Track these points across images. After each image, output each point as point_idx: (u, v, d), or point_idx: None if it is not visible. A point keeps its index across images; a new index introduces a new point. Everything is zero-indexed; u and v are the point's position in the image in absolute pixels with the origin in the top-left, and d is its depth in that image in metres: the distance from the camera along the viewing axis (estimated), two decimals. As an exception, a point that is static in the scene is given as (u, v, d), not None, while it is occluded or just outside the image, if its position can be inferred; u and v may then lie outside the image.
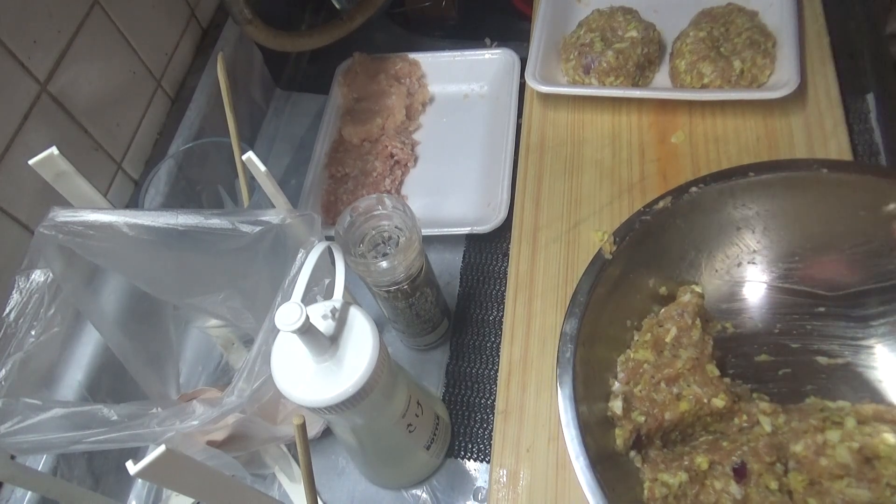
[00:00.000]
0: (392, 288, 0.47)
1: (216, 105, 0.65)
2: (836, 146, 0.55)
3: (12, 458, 0.43)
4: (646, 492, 0.39)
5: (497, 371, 0.51)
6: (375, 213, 0.45)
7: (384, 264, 0.43)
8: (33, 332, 0.39)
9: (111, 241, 0.41)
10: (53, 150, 0.41)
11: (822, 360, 0.45)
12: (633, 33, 0.62)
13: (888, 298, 0.44)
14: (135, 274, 0.47)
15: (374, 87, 0.72)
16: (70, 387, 0.50)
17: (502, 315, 0.55)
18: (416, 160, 0.69)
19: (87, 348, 0.52)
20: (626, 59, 0.60)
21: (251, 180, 0.54)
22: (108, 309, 0.50)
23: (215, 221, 0.41)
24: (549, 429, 0.47)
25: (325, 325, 0.36)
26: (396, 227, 0.46)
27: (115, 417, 0.36)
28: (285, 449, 0.53)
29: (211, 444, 0.46)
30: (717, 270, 0.47)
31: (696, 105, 0.60)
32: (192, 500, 0.51)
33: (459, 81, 0.73)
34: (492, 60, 0.71)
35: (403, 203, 0.45)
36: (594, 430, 0.39)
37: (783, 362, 0.46)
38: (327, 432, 0.53)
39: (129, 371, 0.49)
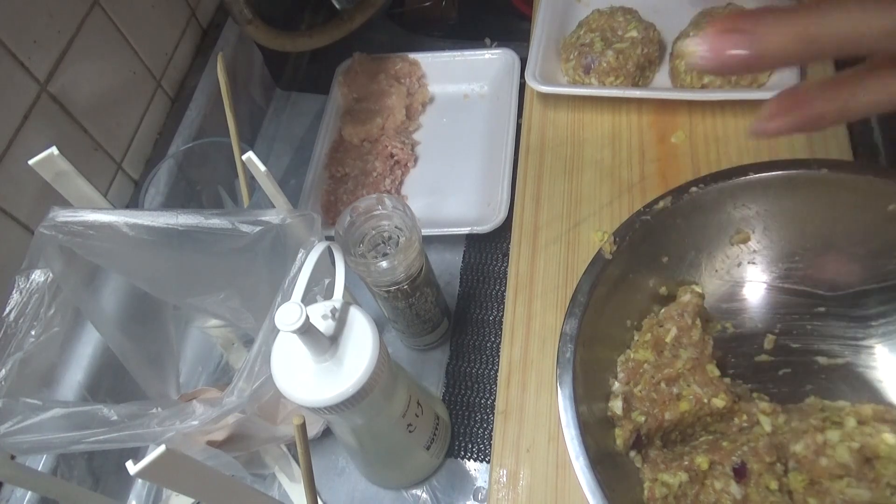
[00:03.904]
0: (392, 288, 0.47)
1: (216, 105, 0.65)
2: (837, 146, 0.55)
3: (12, 458, 0.43)
4: (646, 492, 0.39)
5: (497, 371, 0.51)
6: (375, 213, 0.45)
7: (384, 264, 0.43)
8: (33, 332, 0.39)
9: (111, 241, 0.41)
10: (53, 150, 0.41)
11: (822, 360, 0.45)
12: (633, 33, 0.62)
13: (888, 298, 0.43)
14: (135, 274, 0.47)
15: (374, 87, 0.72)
16: (70, 387, 0.50)
17: (502, 315, 0.55)
18: (416, 160, 0.69)
19: (87, 348, 0.52)
20: (626, 59, 0.60)
21: (251, 180, 0.54)
22: (108, 309, 0.51)
23: (215, 221, 0.41)
24: (549, 429, 0.47)
25: (325, 325, 0.36)
26: (396, 227, 0.46)
27: (115, 417, 0.36)
28: (285, 449, 0.53)
29: (211, 444, 0.46)
30: (717, 270, 0.47)
31: (696, 105, 0.60)
32: (192, 500, 0.51)
33: (459, 81, 0.73)
34: (492, 60, 0.71)
35: (403, 203, 0.45)
36: (594, 430, 0.39)
37: (783, 362, 0.46)
38: (327, 432, 0.53)
39: (129, 371, 0.49)
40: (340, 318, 0.36)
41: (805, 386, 0.44)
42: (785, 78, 0.56)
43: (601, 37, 0.62)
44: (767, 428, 0.41)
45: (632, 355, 0.44)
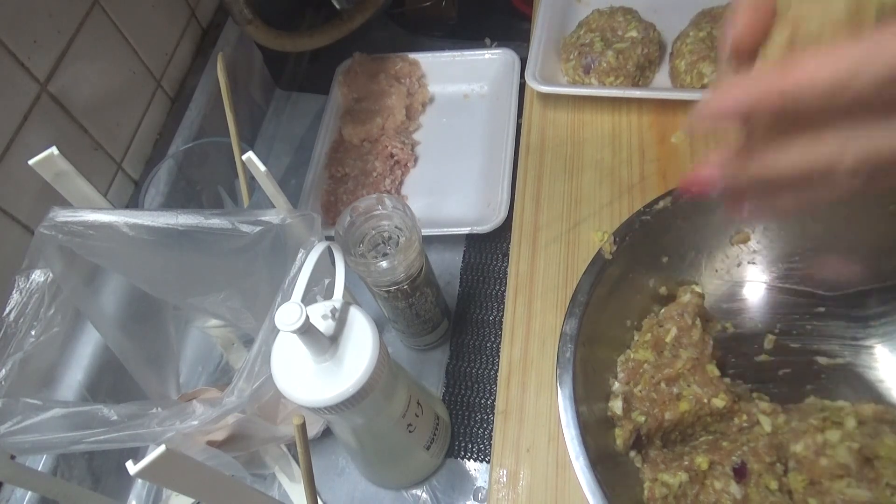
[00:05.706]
0: (392, 288, 0.47)
1: (216, 105, 0.65)
2: (836, 146, 0.54)
3: (12, 458, 0.43)
4: (646, 492, 0.39)
5: (497, 371, 0.51)
6: (375, 213, 0.45)
7: (384, 264, 0.43)
8: (33, 332, 0.39)
9: (111, 241, 0.41)
10: (53, 150, 0.41)
11: (822, 360, 0.45)
12: (633, 33, 0.62)
13: (888, 298, 0.44)
14: (135, 274, 0.47)
15: (374, 87, 0.72)
16: (70, 387, 0.50)
17: (502, 315, 0.55)
18: (416, 160, 0.69)
19: (87, 348, 0.52)
20: (626, 59, 0.60)
21: (251, 180, 0.54)
22: (108, 309, 0.50)
23: (215, 221, 0.41)
24: (549, 429, 0.47)
25: (325, 325, 0.36)
26: (396, 227, 0.46)
27: (115, 417, 0.36)
28: (285, 449, 0.53)
29: (211, 444, 0.46)
30: (717, 270, 0.47)
31: (696, 105, 0.60)
32: (192, 500, 0.51)
33: (459, 81, 0.73)
34: (492, 60, 0.71)
35: (403, 203, 0.45)
36: (594, 430, 0.39)
37: (783, 362, 0.46)
38: (327, 432, 0.53)
39: (129, 371, 0.49)
40: (340, 318, 0.36)
41: (805, 386, 0.44)
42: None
43: (601, 37, 0.62)
44: (767, 428, 0.41)
45: (632, 355, 0.44)
